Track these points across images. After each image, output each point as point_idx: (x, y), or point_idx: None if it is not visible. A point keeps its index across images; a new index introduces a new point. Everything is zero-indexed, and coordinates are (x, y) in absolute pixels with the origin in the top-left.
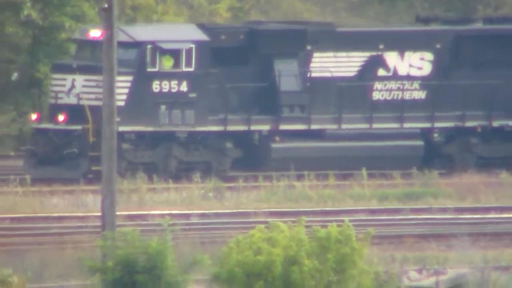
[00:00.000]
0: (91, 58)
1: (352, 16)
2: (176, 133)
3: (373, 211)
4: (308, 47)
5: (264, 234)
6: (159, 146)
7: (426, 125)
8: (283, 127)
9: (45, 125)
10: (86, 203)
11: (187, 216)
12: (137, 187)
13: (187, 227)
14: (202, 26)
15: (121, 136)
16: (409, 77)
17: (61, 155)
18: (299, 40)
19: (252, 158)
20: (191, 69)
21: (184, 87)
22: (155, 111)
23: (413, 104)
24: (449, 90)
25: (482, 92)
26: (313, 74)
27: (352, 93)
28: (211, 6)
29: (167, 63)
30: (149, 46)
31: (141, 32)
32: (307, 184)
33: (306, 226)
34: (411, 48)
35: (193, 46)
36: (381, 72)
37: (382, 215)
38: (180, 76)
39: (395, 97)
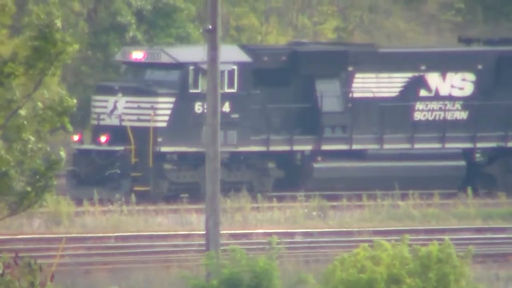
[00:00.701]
0: (133, 79)
1: (456, 37)
2: None
3: (477, 230)
4: (350, 68)
5: (368, 252)
6: (201, 166)
7: (468, 145)
8: (325, 147)
9: (87, 146)
10: (190, 221)
11: (291, 234)
12: (240, 206)
13: (291, 245)
14: (244, 47)
15: (164, 156)
16: (451, 98)
17: (103, 176)
18: (341, 61)
19: (294, 178)
20: (233, 90)
21: (226, 107)
22: (197, 131)
23: (455, 124)
24: (491, 110)
25: None
26: (355, 95)
27: (393, 114)
28: (316, 27)
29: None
30: (191, 67)
31: (184, 53)
32: (411, 203)
33: (410, 245)
34: (453, 68)
35: (235, 67)
36: (422, 92)
37: (486, 234)
38: (222, 97)
39: (436, 118)
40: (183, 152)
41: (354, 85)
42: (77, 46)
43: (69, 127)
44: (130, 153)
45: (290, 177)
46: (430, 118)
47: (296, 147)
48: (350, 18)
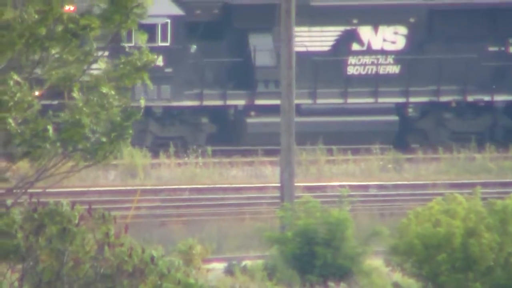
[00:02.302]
0: None
1: None
2: (152, 108)
3: None
4: None
5: (442, 206)
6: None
7: (401, 100)
8: (258, 102)
9: None
10: (265, 174)
11: (365, 187)
12: (315, 159)
13: (366, 198)
14: (177, 0)
15: None
16: (383, 52)
17: None
18: (274, 14)
19: (227, 133)
20: (167, 44)
21: (159, 61)
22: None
23: (388, 79)
24: (423, 64)
25: (456, 66)
26: None
27: (326, 68)
28: None
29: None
30: None
31: None
32: (487, 156)
33: (486, 199)
34: (385, 22)
35: (168, 20)
36: (355, 46)
37: None
38: (155, 51)
39: (369, 72)
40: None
41: None
42: (150, 1)
43: (150, 84)
44: None
45: (223, 132)
46: (363, 73)
47: (230, 102)
48: None
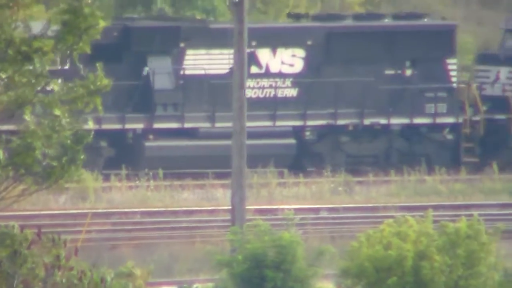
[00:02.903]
0: None
1: (485, 9)
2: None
3: (504, 205)
4: (182, 44)
5: (393, 228)
6: None
7: (298, 123)
8: (157, 125)
9: None
10: (216, 197)
11: (316, 210)
12: (267, 182)
13: (316, 221)
14: None
15: None
16: (281, 74)
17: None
18: (172, 37)
19: (126, 156)
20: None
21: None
22: None
23: (286, 102)
24: (320, 87)
25: (354, 89)
26: (186, 72)
27: (225, 91)
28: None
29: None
30: None
31: None
32: (437, 179)
33: (436, 221)
34: (283, 45)
35: None
36: (253, 69)
37: None
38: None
39: (267, 95)
40: None
41: (185, 61)
42: (103, 23)
43: (100, 109)
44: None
45: (122, 156)
46: (261, 96)
47: (128, 126)
48: None
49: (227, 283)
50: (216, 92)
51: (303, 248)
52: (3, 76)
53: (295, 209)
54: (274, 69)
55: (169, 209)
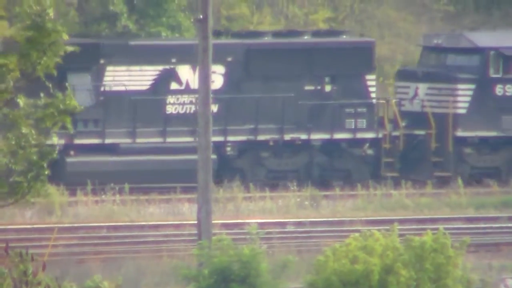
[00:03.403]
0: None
1: (448, 25)
2: None
3: (470, 219)
4: (102, 61)
5: (360, 242)
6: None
7: (219, 138)
8: (78, 141)
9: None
10: (182, 211)
11: (283, 224)
12: (233, 196)
13: (283, 235)
14: None
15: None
16: None
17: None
18: (92, 54)
19: (51, 171)
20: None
21: None
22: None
23: None
24: (241, 103)
25: (274, 105)
26: (107, 88)
27: (145, 107)
28: (307, 17)
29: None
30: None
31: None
32: (403, 193)
33: (402, 235)
34: None
35: None
36: (174, 85)
37: (479, 223)
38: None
39: (187, 111)
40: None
41: (106, 78)
42: (66, 37)
43: (70, 128)
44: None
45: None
46: (182, 112)
47: (49, 141)
48: (341, 8)
49: None
50: (136, 108)
51: (265, 261)
52: None
53: (262, 223)
54: (194, 85)
55: (136, 223)
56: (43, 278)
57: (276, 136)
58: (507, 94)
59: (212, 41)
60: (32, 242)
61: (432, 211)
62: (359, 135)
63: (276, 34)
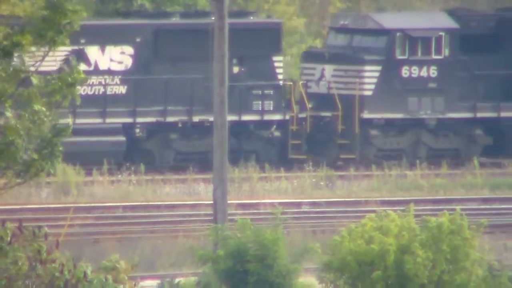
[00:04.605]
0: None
1: (464, 4)
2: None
3: (485, 200)
4: None
5: (375, 223)
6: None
7: (128, 120)
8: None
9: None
10: (198, 191)
11: (298, 204)
12: (248, 176)
13: (298, 215)
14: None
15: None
16: (110, 72)
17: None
18: None
19: (502, 144)
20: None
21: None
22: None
23: (115, 99)
24: (150, 84)
25: (182, 87)
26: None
27: None
28: None
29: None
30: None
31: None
32: (418, 173)
33: (418, 215)
34: (112, 42)
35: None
36: (82, 66)
37: (494, 204)
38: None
39: (97, 92)
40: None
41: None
42: (85, 14)
43: (78, 99)
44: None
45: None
46: (90, 93)
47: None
48: None
49: (210, 277)
50: None
51: (284, 243)
52: None
53: (277, 203)
54: (103, 66)
55: (151, 203)
56: (57, 256)
57: (185, 118)
58: (413, 75)
59: (121, 21)
60: (48, 222)
61: (447, 191)
62: (266, 117)
63: (184, 14)
